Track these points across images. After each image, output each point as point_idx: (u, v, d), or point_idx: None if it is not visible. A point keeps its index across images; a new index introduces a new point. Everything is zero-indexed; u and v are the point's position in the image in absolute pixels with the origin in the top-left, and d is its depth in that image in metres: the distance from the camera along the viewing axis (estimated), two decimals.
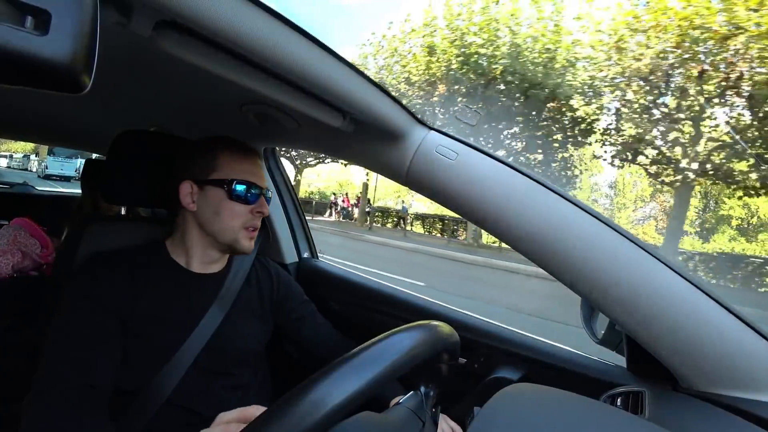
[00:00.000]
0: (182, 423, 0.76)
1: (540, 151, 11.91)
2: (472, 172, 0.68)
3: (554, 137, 11.65)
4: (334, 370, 0.41)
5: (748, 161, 9.16)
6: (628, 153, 11.03)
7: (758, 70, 8.18)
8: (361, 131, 0.74)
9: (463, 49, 11.18)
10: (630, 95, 10.04)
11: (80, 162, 14.37)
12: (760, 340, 0.61)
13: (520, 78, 10.74)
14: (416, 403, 0.60)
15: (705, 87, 8.87)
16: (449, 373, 0.62)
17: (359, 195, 19.51)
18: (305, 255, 1.39)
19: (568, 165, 12.94)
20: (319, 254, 1.44)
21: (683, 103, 9.33)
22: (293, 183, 1.47)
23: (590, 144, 11.93)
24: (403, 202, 23.43)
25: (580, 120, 11.31)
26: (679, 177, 9.94)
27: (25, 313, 1.25)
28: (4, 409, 0.95)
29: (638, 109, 10.10)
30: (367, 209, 18.29)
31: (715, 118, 9.37)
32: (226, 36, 0.42)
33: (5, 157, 24.28)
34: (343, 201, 20.67)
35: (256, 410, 0.55)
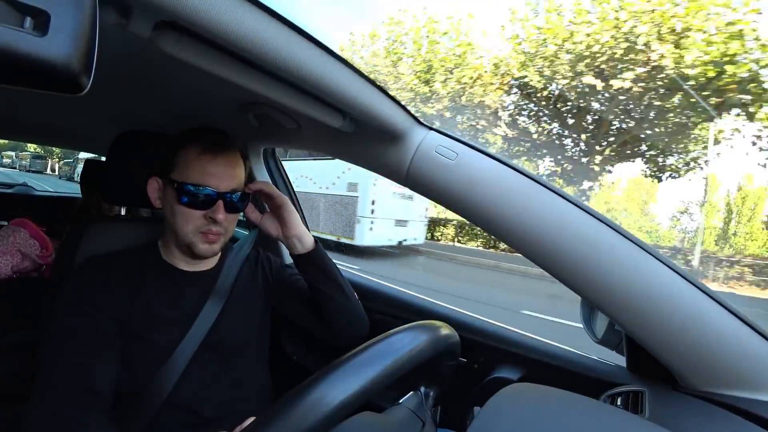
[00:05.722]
0: (184, 424, 0.75)
1: None
2: (472, 173, 0.68)
3: None
4: (334, 371, 0.41)
5: None
6: None
7: None
8: (361, 131, 0.74)
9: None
10: None
11: None
12: (760, 339, 0.61)
13: None
14: (416, 403, 0.60)
15: None
16: (449, 373, 0.62)
17: None
18: None
19: None
20: None
21: None
22: None
23: None
24: None
25: None
26: None
27: (25, 315, 1.25)
28: (4, 410, 0.95)
29: None
30: None
31: None
32: (226, 37, 0.42)
33: None
34: None
35: None
